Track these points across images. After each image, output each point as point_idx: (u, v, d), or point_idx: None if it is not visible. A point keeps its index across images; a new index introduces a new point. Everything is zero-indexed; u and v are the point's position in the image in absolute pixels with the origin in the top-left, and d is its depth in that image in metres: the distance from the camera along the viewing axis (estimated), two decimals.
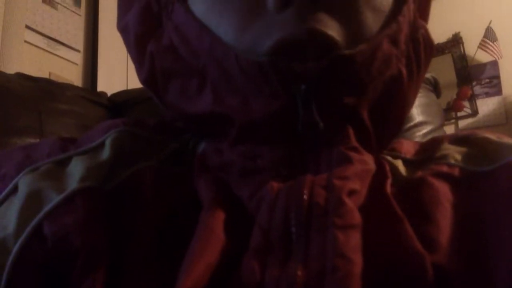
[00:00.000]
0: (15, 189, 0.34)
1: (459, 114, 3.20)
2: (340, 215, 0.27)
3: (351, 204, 0.28)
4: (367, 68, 0.33)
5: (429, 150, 0.39)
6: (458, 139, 0.40)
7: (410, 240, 0.29)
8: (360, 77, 0.33)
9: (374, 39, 0.34)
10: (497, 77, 3.15)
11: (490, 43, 2.99)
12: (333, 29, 0.32)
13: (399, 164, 0.38)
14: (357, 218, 0.28)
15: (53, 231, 0.30)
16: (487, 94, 3.17)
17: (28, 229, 0.31)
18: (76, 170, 0.34)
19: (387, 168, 0.36)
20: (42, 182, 0.33)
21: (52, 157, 0.36)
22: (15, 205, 0.32)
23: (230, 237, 0.29)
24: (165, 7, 0.38)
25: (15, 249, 0.30)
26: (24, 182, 0.34)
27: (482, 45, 3.03)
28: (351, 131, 0.33)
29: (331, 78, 0.32)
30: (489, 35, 3.01)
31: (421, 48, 0.38)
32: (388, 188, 0.33)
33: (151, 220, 0.32)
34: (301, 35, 0.32)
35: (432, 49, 0.40)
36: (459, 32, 3.27)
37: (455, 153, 0.37)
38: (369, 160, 0.33)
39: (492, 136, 0.39)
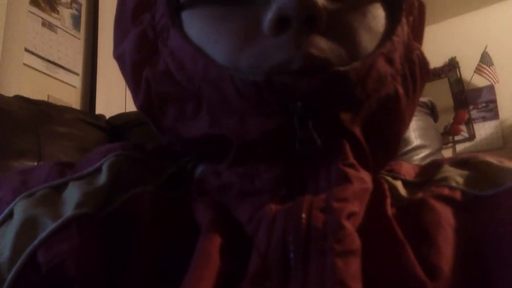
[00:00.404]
0: (10, 215, 0.33)
1: (456, 138, 3.21)
2: (339, 240, 0.27)
3: (351, 228, 0.28)
4: (362, 85, 0.34)
5: (430, 172, 0.39)
6: (458, 162, 0.40)
7: (411, 266, 0.29)
8: (355, 94, 0.33)
9: (369, 57, 0.34)
10: (494, 101, 3.17)
11: (486, 67, 3.02)
12: (329, 51, 0.33)
13: (399, 185, 0.38)
14: (356, 242, 0.27)
15: (47, 259, 0.30)
16: (484, 118, 3.19)
17: (23, 257, 0.30)
18: (72, 196, 0.34)
19: (386, 187, 0.36)
20: (37, 208, 0.33)
21: (49, 182, 0.36)
22: (10, 231, 0.32)
23: (228, 263, 0.29)
24: (160, 34, 0.38)
25: (9, 277, 0.29)
26: (20, 208, 0.33)
27: (478, 70, 3.06)
28: (348, 148, 0.33)
29: (327, 95, 0.33)
30: (485, 59, 3.05)
31: (417, 69, 0.38)
32: (389, 210, 0.33)
33: (148, 247, 0.31)
34: (297, 61, 0.32)
35: (427, 70, 0.40)
36: (455, 57, 3.30)
37: (456, 175, 0.37)
38: (366, 177, 0.33)
39: (493, 160, 0.38)
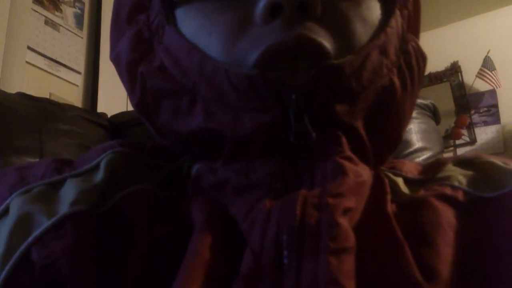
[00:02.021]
0: (6, 211, 0.33)
1: (457, 142, 3.21)
2: (333, 238, 0.26)
3: (345, 225, 0.27)
4: (357, 77, 0.33)
5: (432, 170, 0.39)
6: (462, 161, 0.39)
7: (408, 267, 0.29)
8: (350, 86, 0.33)
9: (364, 49, 0.34)
10: (495, 105, 3.17)
11: (488, 72, 3.03)
12: (322, 37, 0.33)
13: (400, 181, 0.38)
14: (351, 240, 0.27)
15: (41, 257, 0.29)
16: (485, 123, 3.19)
17: (16, 255, 0.30)
18: (68, 193, 0.33)
19: (386, 182, 0.36)
20: (33, 205, 0.32)
21: (46, 178, 0.35)
22: (5, 228, 0.31)
23: (221, 262, 0.29)
24: (156, 32, 0.38)
25: (2, 274, 0.29)
26: (16, 204, 0.33)
27: (480, 74, 3.06)
28: (344, 141, 0.33)
29: (322, 88, 0.32)
30: (487, 64, 3.05)
31: (413, 60, 0.38)
32: (389, 206, 0.33)
33: (143, 246, 0.31)
34: (290, 42, 0.32)
35: (424, 62, 0.40)
36: (457, 61, 3.31)
37: (459, 175, 0.37)
38: (364, 171, 0.33)
39: (497, 160, 0.38)
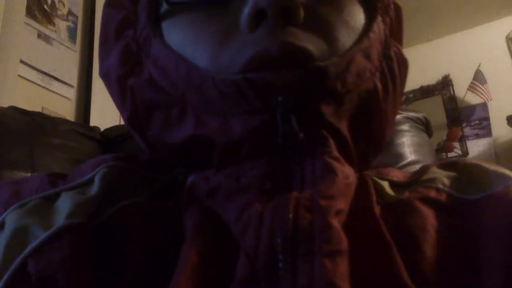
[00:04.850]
0: (1, 226, 0.33)
1: (449, 155, 3.23)
2: (326, 240, 0.27)
3: (338, 227, 0.28)
4: (342, 80, 0.34)
5: (417, 174, 0.39)
6: (446, 164, 0.40)
7: (398, 271, 0.29)
8: (335, 88, 0.34)
9: (348, 53, 0.35)
10: (487, 118, 3.20)
11: (480, 85, 3.05)
12: (306, 42, 0.33)
13: (385, 184, 0.38)
14: (344, 242, 0.27)
15: (37, 269, 0.29)
16: (477, 136, 3.21)
17: (13, 267, 0.30)
18: (64, 206, 0.33)
19: (371, 184, 0.36)
20: (29, 218, 0.32)
21: (41, 192, 0.35)
22: (1, 241, 0.31)
23: (212, 268, 0.29)
24: (143, 45, 0.38)
25: None
26: (11, 218, 0.33)
27: (471, 87, 3.09)
28: (331, 142, 0.33)
29: (307, 90, 0.33)
30: (478, 77, 3.08)
31: (395, 65, 0.39)
32: (375, 208, 0.33)
33: (138, 258, 0.31)
34: (275, 49, 0.32)
35: (406, 67, 0.41)
36: (448, 74, 3.34)
37: (443, 177, 0.37)
38: (350, 172, 0.33)
39: (481, 162, 0.38)
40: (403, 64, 0.40)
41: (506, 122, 2.97)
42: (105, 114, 1.90)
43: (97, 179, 0.36)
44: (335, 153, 0.33)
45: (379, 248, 0.30)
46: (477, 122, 3.23)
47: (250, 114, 0.33)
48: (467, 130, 3.25)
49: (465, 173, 0.38)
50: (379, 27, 0.39)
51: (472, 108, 3.25)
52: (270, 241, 0.27)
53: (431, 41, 3.34)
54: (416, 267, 0.30)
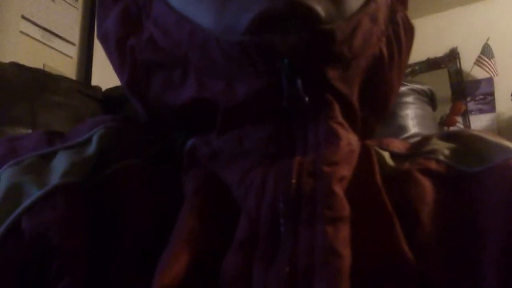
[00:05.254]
0: None
1: (451, 129, 3.22)
2: (329, 207, 0.27)
3: (341, 194, 0.28)
4: (348, 44, 0.34)
5: (418, 145, 0.39)
6: (448, 135, 0.39)
7: (399, 243, 0.29)
8: (342, 52, 0.33)
9: (355, 16, 0.34)
10: (492, 94, 3.18)
11: (487, 60, 3.02)
12: (313, 1, 0.32)
13: (386, 155, 0.37)
14: (346, 209, 0.27)
15: (31, 227, 0.29)
16: (481, 111, 3.20)
17: (6, 224, 0.29)
18: (60, 164, 0.33)
19: (373, 153, 0.35)
20: (24, 176, 0.32)
21: (38, 150, 0.35)
22: None
23: (211, 230, 0.29)
24: (143, 6, 0.37)
25: None
26: (6, 175, 0.32)
27: (478, 62, 3.05)
28: (336, 106, 0.33)
29: (314, 53, 0.32)
30: (486, 52, 3.04)
31: (401, 30, 0.38)
32: (378, 177, 0.33)
33: (136, 221, 0.30)
34: (281, 6, 0.31)
35: (412, 33, 0.40)
36: (456, 47, 3.30)
37: (444, 148, 0.37)
38: (354, 140, 0.33)
39: (483, 134, 0.38)
40: (409, 30, 0.40)
41: (511, 98, 2.95)
42: (107, 73, 1.88)
43: (94, 140, 0.35)
44: (340, 118, 0.33)
45: (381, 217, 0.30)
46: (481, 97, 3.21)
47: (255, 77, 0.32)
48: (471, 105, 3.23)
49: (467, 144, 0.37)
50: None
51: (477, 82, 3.22)
52: (272, 205, 0.27)
53: (440, 13, 3.29)
54: (415, 238, 0.30)
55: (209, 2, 0.34)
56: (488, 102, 3.19)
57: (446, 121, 3.17)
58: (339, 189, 0.28)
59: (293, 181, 0.28)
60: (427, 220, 0.31)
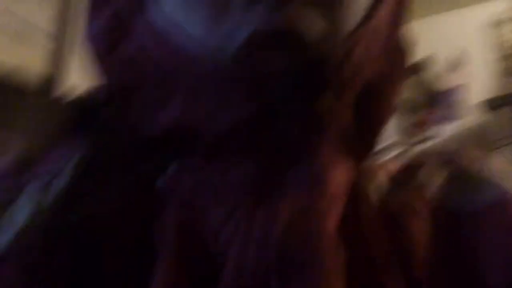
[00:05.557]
0: None
1: (418, 138, 3.25)
2: (314, 263, 0.27)
3: (331, 243, 0.28)
4: (343, 66, 0.33)
5: (407, 176, 0.39)
6: (440, 165, 0.39)
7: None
8: (336, 76, 0.33)
9: (350, 37, 0.34)
10: (461, 102, 3.22)
11: (458, 68, 3.07)
12: (309, 19, 0.32)
13: (379, 180, 0.38)
14: (340, 259, 0.28)
15: None
16: (448, 119, 3.24)
17: None
18: (20, 215, 0.32)
19: (365, 185, 0.36)
20: None
21: (4, 182, 0.34)
22: None
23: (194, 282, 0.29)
24: (133, 14, 0.37)
25: None
26: None
27: (450, 70, 3.10)
28: (328, 138, 0.33)
29: (306, 80, 0.32)
30: (457, 60, 3.09)
31: (398, 50, 0.39)
32: (369, 213, 0.33)
33: (110, 264, 0.31)
34: (277, 26, 0.31)
35: (408, 49, 0.40)
36: (428, 56, 3.33)
37: (434, 184, 0.37)
38: (345, 174, 0.33)
39: (475, 166, 0.38)
40: (406, 50, 0.40)
41: (479, 107, 3.00)
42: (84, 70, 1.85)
43: (67, 171, 0.34)
44: (331, 155, 0.32)
45: (370, 267, 0.31)
46: (450, 105, 3.26)
47: (241, 104, 0.32)
48: (439, 113, 3.27)
49: (459, 180, 0.37)
50: (383, 10, 0.37)
51: (448, 91, 3.27)
52: (257, 256, 0.28)
53: (413, 21, 3.32)
54: (412, 274, 0.31)
55: (204, 13, 0.33)
56: (456, 110, 3.23)
57: (413, 129, 3.19)
58: (327, 238, 0.28)
59: (278, 236, 0.28)
60: (422, 258, 0.32)
